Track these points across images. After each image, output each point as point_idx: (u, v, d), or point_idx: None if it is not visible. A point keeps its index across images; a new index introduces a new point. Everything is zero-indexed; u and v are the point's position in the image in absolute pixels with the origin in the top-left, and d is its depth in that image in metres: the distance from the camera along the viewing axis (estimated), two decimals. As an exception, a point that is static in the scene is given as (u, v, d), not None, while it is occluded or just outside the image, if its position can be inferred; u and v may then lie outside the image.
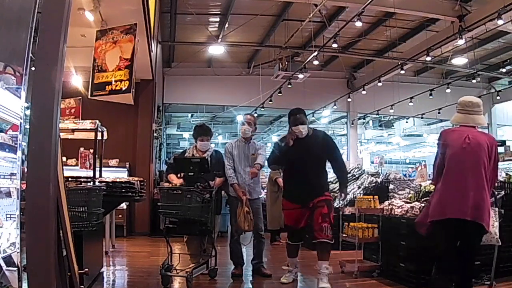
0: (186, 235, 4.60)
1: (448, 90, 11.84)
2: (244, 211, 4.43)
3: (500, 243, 3.63)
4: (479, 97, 12.97)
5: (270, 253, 6.34)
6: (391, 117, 16.15)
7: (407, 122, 17.06)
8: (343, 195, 4.50)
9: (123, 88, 5.49)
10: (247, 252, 5.17)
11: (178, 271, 4.11)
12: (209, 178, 4.36)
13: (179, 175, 4.54)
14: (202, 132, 4.73)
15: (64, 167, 3.27)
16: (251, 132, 4.75)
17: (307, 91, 12.16)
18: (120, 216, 7.32)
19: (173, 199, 4.03)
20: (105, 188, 4.26)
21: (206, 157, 4.51)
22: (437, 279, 3.40)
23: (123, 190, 4.57)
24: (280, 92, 11.44)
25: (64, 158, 5.88)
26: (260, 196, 4.88)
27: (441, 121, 17.03)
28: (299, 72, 10.22)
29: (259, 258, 4.72)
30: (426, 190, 4.71)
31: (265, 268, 4.69)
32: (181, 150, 5.81)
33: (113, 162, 7.84)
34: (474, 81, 11.56)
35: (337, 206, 6.51)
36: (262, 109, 13.11)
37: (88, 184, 4.36)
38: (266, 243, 5.07)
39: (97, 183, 4.58)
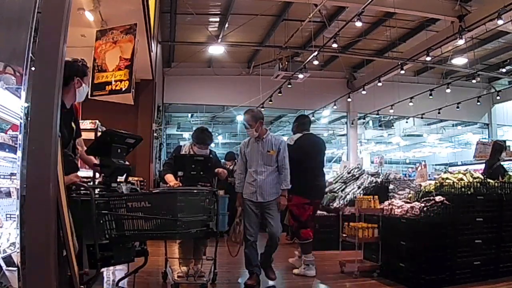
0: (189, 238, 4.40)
1: (448, 90, 11.85)
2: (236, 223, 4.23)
3: None
4: (479, 97, 13.11)
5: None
6: (391, 117, 16.15)
7: (407, 122, 17.07)
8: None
9: (123, 88, 5.50)
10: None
11: (195, 277, 4.01)
12: (210, 177, 4.14)
13: (178, 176, 4.12)
14: (201, 140, 4.33)
15: (64, 167, 3.26)
16: (255, 129, 4.17)
17: (307, 91, 12.17)
18: (120, 216, 7.30)
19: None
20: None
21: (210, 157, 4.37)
22: None
23: (123, 190, 4.53)
24: (280, 92, 11.44)
25: (64, 158, 5.87)
26: (275, 198, 4.18)
27: (441, 121, 17.06)
28: (299, 72, 10.21)
29: (268, 260, 4.31)
30: (426, 190, 4.71)
31: (273, 272, 4.29)
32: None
33: (113, 162, 7.83)
34: (474, 81, 11.56)
35: (337, 206, 6.53)
36: (262, 109, 13.10)
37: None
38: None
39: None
